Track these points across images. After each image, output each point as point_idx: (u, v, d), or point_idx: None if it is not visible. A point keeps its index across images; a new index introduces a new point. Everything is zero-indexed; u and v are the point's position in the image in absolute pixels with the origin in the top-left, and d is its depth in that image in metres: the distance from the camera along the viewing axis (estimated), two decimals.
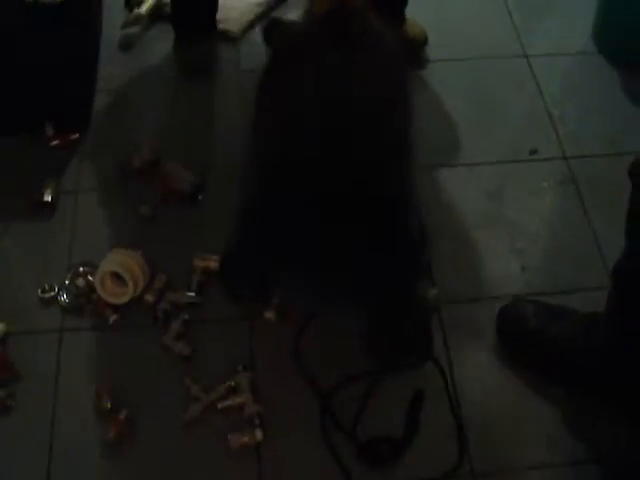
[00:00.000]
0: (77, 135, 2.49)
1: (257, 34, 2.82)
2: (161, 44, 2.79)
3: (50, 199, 2.31)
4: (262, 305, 2.09)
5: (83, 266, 2.18)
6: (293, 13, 2.82)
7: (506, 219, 2.31)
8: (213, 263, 2.15)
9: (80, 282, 2.14)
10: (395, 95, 1.81)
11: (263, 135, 1.86)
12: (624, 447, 1.90)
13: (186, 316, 2.08)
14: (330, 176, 1.70)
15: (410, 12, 2.63)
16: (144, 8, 2.82)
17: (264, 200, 1.85)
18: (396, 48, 1.86)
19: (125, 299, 2.09)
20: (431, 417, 1.95)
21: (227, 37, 2.81)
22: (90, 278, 2.14)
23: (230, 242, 2.03)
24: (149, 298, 2.11)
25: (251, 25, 2.85)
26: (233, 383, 1.96)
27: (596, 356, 1.90)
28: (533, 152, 2.45)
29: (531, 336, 2.01)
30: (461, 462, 1.89)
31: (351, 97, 1.71)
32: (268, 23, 2.57)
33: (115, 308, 2.10)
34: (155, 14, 2.85)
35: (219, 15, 2.77)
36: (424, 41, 2.70)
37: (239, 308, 2.11)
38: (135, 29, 2.82)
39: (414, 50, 2.66)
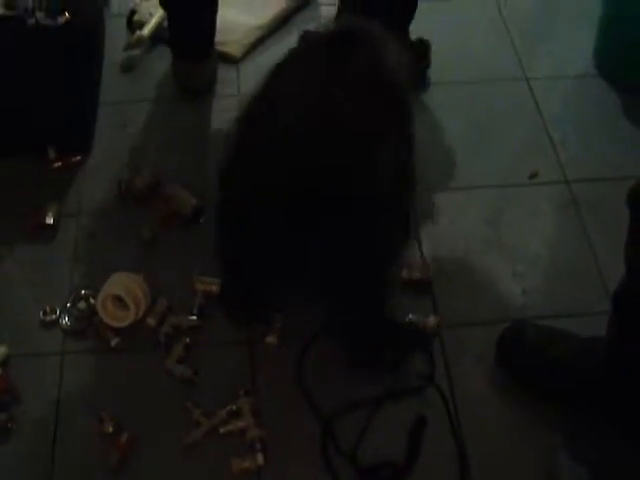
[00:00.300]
0: (79, 157, 2.50)
1: (258, 57, 2.83)
2: (163, 66, 2.80)
3: (52, 221, 2.31)
4: (263, 328, 2.09)
5: (85, 289, 2.18)
6: (296, 36, 2.84)
7: (506, 243, 2.32)
8: (215, 286, 2.16)
9: (82, 305, 2.14)
10: (386, 116, 1.82)
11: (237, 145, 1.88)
12: (623, 468, 1.89)
13: (188, 340, 2.08)
14: (306, 194, 1.71)
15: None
16: (146, 30, 2.83)
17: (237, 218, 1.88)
18: (396, 68, 1.85)
19: (127, 322, 2.09)
20: (433, 442, 1.94)
21: (227, 59, 2.82)
22: (92, 301, 2.14)
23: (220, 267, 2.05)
24: (151, 321, 2.11)
25: (252, 48, 2.86)
26: (235, 407, 1.96)
27: (596, 380, 1.90)
28: (533, 176, 2.45)
29: (531, 359, 2.01)
30: None
31: (333, 113, 1.72)
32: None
33: (117, 331, 2.10)
34: (157, 36, 2.86)
35: (219, 37, 2.79)
36: (427, 63, 2.69)
37: (240, 332, 2.11)
38: (137, 51, 2.84)
39: (416, 72, 2.65)
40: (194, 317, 2.12)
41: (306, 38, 2.02)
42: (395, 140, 1.85)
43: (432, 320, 2.11)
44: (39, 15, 2.24)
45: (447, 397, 2.00)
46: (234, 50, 2.82)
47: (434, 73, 2.73)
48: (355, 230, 1.76)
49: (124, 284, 2.09)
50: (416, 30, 2.62)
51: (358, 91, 1.77)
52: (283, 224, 1.76)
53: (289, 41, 2.86)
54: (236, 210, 1.88)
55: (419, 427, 1.96)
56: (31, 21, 2.23)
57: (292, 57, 1.90)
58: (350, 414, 1.98)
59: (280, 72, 1.86)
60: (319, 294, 1.94)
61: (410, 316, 2.11)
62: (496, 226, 2.36)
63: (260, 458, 1.88)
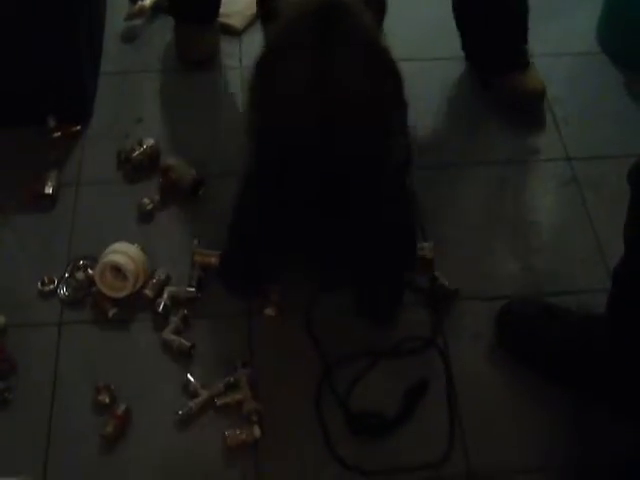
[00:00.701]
0: (79, 127, 2.48)
1: (259, 29, 2.81)
2: (164, 36, 2.78)
3: (51, 191, 2.30)
4: (260, 300, 2.09)
5: (83, 259, 2.18)
6: None
7: (508, 219, 2.31)
8: (213, 258, 2.15)
9: (80, 275, 2.13)
10: (378, 84, 1.80)
11: (257, 130, 1.89)
12: (623, 448, 1.89)
13: (185, 311, 2.07)
14: (321, 165, 1.73)
15: (409, 14, 2.63)
16: (147, 0, 2.81)
17: (261, 194, 1.88)
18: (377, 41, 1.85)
19: (125, 293, 2.09)
20: (427, 407, 1.96)
21: (229, 31, 2.81)
22: (90, 271, 2.13)
23: (228, 238, 2.04)
24: (149, 293, 2.10)
25: (254, 19, 2.83)
26: (232, 379, 1.96)
27: (597, 357, 1.90)
28: (535, 153, 2.44)
29: (531, 335, 2.01)
30: (448, 455, 1.89)
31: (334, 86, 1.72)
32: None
33: (115, 302, 2.09)
34: (158, 6, 2.84)
35: (222, 9, 2.77)
36: (542, 93, 2.57)
37: (238, 303, 2.11)
38: (138, 21, 2.82)
39: (531, 103, 2.57)
40: (192, 289, 2.11)
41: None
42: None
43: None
44: None
45: (449, 362, 2.01)
46: (236, 22, 2.80)
47: (437, 50, 2.71)
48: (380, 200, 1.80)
49: (122, 254, 2.08)
50: (420, 7, 2.61)
51: (360, 59, 1.76)
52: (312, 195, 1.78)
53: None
54: (266, 177, 1.87)
55: (419, 389, 1.97)
56: None
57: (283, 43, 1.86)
58: (349, 365, 2.00)
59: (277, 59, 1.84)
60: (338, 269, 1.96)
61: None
62: (497, 202, 2.35)
63: (257, 431, 1.88)
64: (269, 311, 2.07)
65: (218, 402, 1.93)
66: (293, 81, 1.78)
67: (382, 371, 2.01)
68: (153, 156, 2.38)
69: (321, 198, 1.76)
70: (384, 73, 1.82)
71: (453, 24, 2.54)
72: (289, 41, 1.85)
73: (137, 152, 2.36)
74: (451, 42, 2.60)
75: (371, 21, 1.84)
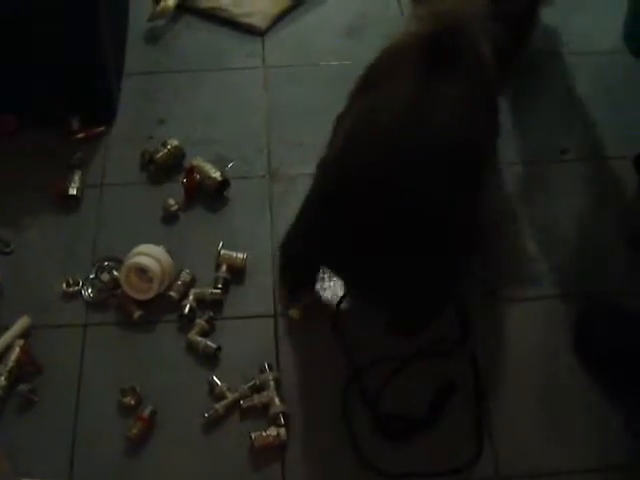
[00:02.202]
0: (103, 128, 2.48)
1: (283, 29, 2.80)
2: (188, 36, 2.78)
3: (75, 192, 2.30)
4: (287, 302, 2.09)
5: (108, 260, 2.17)
6: (322, 8, 2.81)
7: (536, 219, 2.29)
8: (239, 259, 2.14)
9: (105, 277, 2.13)
10: (476, 132, 1.83)
11: (334, 149, 1.90)
12: None
13: (211, 313, 2.06)
14: (392, 204, 1.73)
15: None
16: (171, 1, 2.80)
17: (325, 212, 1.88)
18: (491, 79, 1.89)
19: (150, 295, 2.08)
20: (455, 409, 1.94)
21: (253, 31, 2.79)
22: (115, 273, 2.13)
23: (290, 229, 2.05)
24: (174, 294, 2.09)
25: (278, 19, 2.83)
26: (258, 382, 1.95)
27: None
28: (564, 152, 2.42)
29: (598, 340, 2.00)
30: (477, 459, 1.87)
31: (426, 133, 1.74)
32: None
33: (140, 304, 2.09)
34: (182, 6, 2.83)
35: (245, 8, 2.77)
36: None
37: (263, 305, 2.10)
38: (162, 22, 2.81)
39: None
40: (218, 290, 2.10)
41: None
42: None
43: None
44: None
45: (479, 365, 1.99)
46: (259, 21, 2.79)
47: None
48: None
49: (148, 256, 2.07)
50: None
51: (459, 108, 1.79)
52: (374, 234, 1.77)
53: (315, 13, 2.85)
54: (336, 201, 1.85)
55: (447, 392, 1.95)
56: None
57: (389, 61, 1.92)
58: (377, 368, 1.98)
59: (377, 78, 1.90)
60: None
61: None
62: (526, 202, 2.33)
63: (283, 433, 1.87)
64: (294, 312, 2.06)
65: (244, 405, 1.92)
66: (388, 111, 1.79)
67: (410, 373, 1.99)
68: (177, 157, 2.37)
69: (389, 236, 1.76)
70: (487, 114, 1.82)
71: None
72: (392, 64, 1.89)
73: (161, 153, 2.35)
74: None
75: (487, 50, 1.86)
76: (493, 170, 1.99)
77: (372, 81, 1.91)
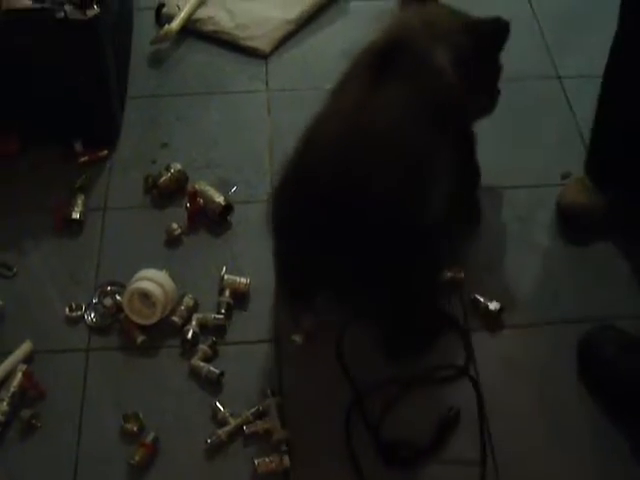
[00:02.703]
0: (106, 152, 2.49)
1: (286, 52, 2.81)
2: (191, 59, 2.79)
3: (78, 216, 2.30)
4: (290, 327, 2.07)
5: (111, 285, 2.17)
6: (325, 31, 2.82)
7: (538, 243, 2.29)
8: (242, 284, 2.14)
9: (108, 301, 2.13)
10: (418, 137, 1.83)
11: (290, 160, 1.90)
12: None
13: (214, 338, 2.06)
14: (344, 209, 1.73)
15: None
16: (174, 24, 2.81)
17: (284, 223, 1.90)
18: (449, 90, 1.91)
19: (153, 320, 2.08)
20: (459, 436, 1.94)
21: (256, 54, 2.80)
22: (118, 297, 2.13)
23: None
24: (177, 319, 2.09)
25: (281, 42, 2.83)
26: (261, 408, 1.94)
27: None
28: (566, 176, 2.42)
29: (608, 368, 1.98)
30: None
31: (366, 137, 1.76)
32: None
33: (143, 329, 2.08)
34: (185, 29, 2.84)
35: (248, 32, 2.78)
36: None
37: (266, 330, 2.10)
38: (165, 45, 2.82)
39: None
40: (221, 315, 2.10)
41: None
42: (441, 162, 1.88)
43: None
44: (68, 8, 2.22)
45: (481, 393, 1.98)
46: (263, 45, 2.80)
47: None
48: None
49: (150, 281, 2.07)
50: None
51: (402, 111, 1.81)
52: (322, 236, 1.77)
53: (318, 36, 2.85)
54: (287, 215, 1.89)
55: (451, 418, 1.94)
56: (60, 14, 2.22)
57: (347, 70, 1.94)
58: (380, 394, 1.97)
59: (335, 87, 1.94)
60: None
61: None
62: (528, 226, 2.32)
63: (286, 460, 1.86)
64: (297, 338, 2.05)
65: (247, 431, 1.91)
66: (333, 119, 1.84)
67: (413, 400, 1.98)
68: (180, 181, 2.38)
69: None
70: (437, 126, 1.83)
71: None
72: (347, 75, 1.92)
73: (164, 177, 2.36)
74: None
75: (443, 61, 1.89)
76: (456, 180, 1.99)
77: (331, 91, 1.94)
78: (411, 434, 1.92)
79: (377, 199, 1.73)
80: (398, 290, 1.86)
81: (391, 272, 1.80)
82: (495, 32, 2.10)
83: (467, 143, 2.12)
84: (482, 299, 2.13)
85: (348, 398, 1.97)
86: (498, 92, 2.24)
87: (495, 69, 2.18)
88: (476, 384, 1.98)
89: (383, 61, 1.85)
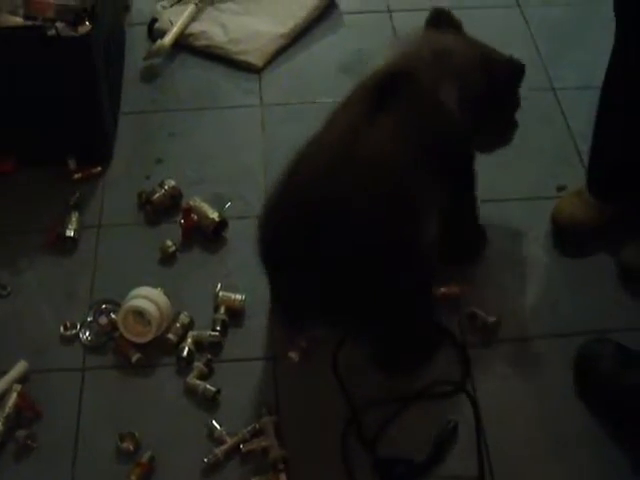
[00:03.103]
0: (99, 168, 2.48)
1: (279, 66, 2.81)
2: (184, 75, 2.79)
3: (72, 234, 2.29)
4: (286, 345, 2.07)
5: (106, 303, 2.16)
6: (318, 44, 2.82)
7: (533, 256, 2.28)
8: (237, 301, 2.13)
9: (102, 320, 2.12)
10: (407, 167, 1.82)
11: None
12: None
13: (209, 356, 2.05)
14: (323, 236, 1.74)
15: None
16: (167, 39, 2.80)
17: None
18: (450, 128, 1.90)
19: (148, 338, 2.07)
20: (456, 452, 1.92)
21: (249, 69, 2.80)
22: (113, 316, 2.12)
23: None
24: (172, 337, 2.08)
25: (274, 57, 2.83)
26: (257, 426, 1.93)
27: None
28: (561, 189, 2.41)
29: (606, 384, 1.97)
30: None
31: (353, 163, 1.76)
32: None
33: (138, 347, 2.07)
34: (178, 44, 2.83)
35: (241, 46, 2.78)
36: None
37: (262, 347, 2.09)
38: (158, 60, 2.81)
39: None
40: (216, 333, 2.09)
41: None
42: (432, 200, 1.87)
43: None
44: (59, 25, 2.22)
45: (479, 408, 1.97)
46: (256, 59, 2.80)
47: None
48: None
49: (145, 299, 2.06)
50: None
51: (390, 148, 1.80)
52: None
53: (312, 49, 2.85)
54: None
55: (448, 436, 1.93)
56: (51, 31, 2.21)
57: (349, 94, 1.94)
58: (377, 411, 1.96)
59: (334, 110, 1.92)
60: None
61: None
62: (524, 239, 2.32)
63: (283, 478, 1.85)
64: (293, 355, 2.04)
65: (244, 449, 1.90)
66: (324, 144, 1.85)
67: (410, 416, 1.98)
68: (174, 197, 2.37)
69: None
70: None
71: None
72: (348, 100, 1.92)
73: (158, 193, 2.35)
74: None
75: (448, 98, 1.88)
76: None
77: (330, 113, 1.93)
78: (408, 450, 1.91)
79: (358, 228, 1.73)
80: (386, 312, 1.84)
81: (377, 297, 1.80)
82: (510, 74, 2.08)
83: (466, 179, 2.10)
84: (479, 313, 2.12)
85: (345, 415, 1.96)
86: (515, 125, 2.21)
87: (510, 105, 2.16)
88: (473, 399, 1.97)
89: (384, 91, 1.85)
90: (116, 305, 2.13)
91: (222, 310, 2.13)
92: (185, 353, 2.05)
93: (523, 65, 2.08)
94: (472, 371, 2.05)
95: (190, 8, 2.89)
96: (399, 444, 1.93)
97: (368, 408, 1.97)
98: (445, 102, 1.88)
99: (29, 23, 2.23)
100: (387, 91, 1.85)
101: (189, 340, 2.07)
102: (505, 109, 2.14)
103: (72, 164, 2.45)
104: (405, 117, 1.83)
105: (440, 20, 2.07)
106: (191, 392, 2.00)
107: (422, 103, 1.86)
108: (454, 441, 1.93)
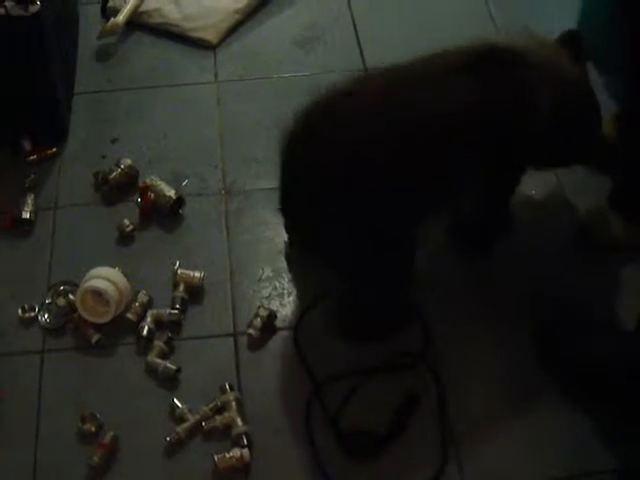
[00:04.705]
0: (55, 149, 2.45)
1: (235, 42, 2.79)
2: (139, 53, 2.76)
3: (29, 216, 2.27)
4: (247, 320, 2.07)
5: (64, 284, 2.14)
6: (273, 19, 2.80)
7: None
8: (196, 278, 2.12)
9: (61, 301, 2.10)
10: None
11: None
12: (622, 460, 1.86)
13: (169, 334, 2.04)
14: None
15: (390, 20, 2.60)
16: (121, 17, 2.77)
17: None
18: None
19: (107, 318, 2.05)
20: (419, 423, 1.93)
21: (204, 45, 2.78)
22: (71, 297, 2.10)
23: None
24: (132, 316, 2.07)
25: (229, 32, 2.81)
26: (219, 402, 1.92)
27: (622, 372, 1.87)
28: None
29: (563, 346, 1.99)
30: (442, 472, 1.86)
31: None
32: None
33: (97, 327, 2.06)
34: (132, 23, 2.81)
35: (195, 23, 2.76)
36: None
37: (222, 324, 2.09)
38: (112, 39, 2.78)
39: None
40: (176, 311, 2.08)
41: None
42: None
43: None
44: (9, 4, 2.18)
45: (440, 378, 1.98)
46: (210, 35, 2.77)
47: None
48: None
49: (103, 279, 2.05)
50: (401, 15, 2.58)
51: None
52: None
53: (267, 25, 2.83)
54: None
55: (410, 405, 1.94)
56: (1, 11, 2.17)
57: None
58: (339, 383, 1.97)
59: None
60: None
61: None
62: None
63: (246, 454, 1.84)
64: (252, 331, 2.04)
65: (206, 426, 1.90)
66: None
67: (373, 388, 1.97)
68: (131, 176, 2.35)
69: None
70: None
71: None
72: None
73: (115, 173, 2.33)
74: None
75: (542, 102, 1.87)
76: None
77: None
78: (371, 423, 1.91)
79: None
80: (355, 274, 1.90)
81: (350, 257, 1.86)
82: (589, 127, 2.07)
83: (514, 173, 2.08)
84: None
85: (307, 390, 1.96)
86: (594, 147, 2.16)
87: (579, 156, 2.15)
88: (434, 371, 1.99)
89: (482, 58, 1.85)
90: (74, 286, 2.11)
91: (181, 288, 2.11)
92: (145, 332, 2.04)
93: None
94: (433, 343, 2.05)
95: None
96: (362, 417, 1.93)
97: (330, 382, 1.97)
98: (537, 100, 1.87)
99: None
100: (484, 59, 1.84)
101: (149, 319, 2.06)
102: (575, 153, 2.12)
103: (27, 145, 2.42)
104: (487, 91, 1.83)
105: (570, 42, 2.04)
106: (152, 371, 1.99)
107: (512, 87, 1.86)
108: (416, 411, 1.93)
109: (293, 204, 1.94)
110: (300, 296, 2.13)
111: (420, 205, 1.89)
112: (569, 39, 2.05)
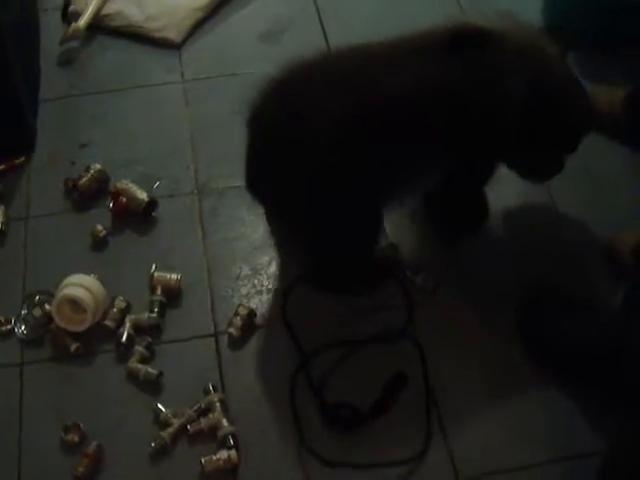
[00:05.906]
0: (22, 158, 2.42)
1: (199, 39, 2.76)
2: (102, 57, 2.72)
3: (0, 227, 2.23)
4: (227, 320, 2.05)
5: (39, 294, 2.11)
6: (238, 15, 2.78)
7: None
8: (173, 280, 2.10)
9: (37, 312, 2.07)
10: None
11: None
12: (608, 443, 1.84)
13: (149, 338, 2.02)
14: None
15: (356, 10, 2.61)
16: (82, 21, 2.73)
17: None
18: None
19: (85, 326, 2.02)
20: (404, 398, 1.93)
21: (168, 45, 2.74)
22: (47, 307, 2.07)
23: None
24: (110, 323, 2.04)
25: (192, 30, 2.78)
26: (203, 404, 1.90)
27: (605, 353, 1.87)
28: None
29: (546, 327, 1.98)
30: (427, 447, 1.85)
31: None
32: None
33: (75, 336, 2.03)
34: (94, 26, 2.77)
35: (157, 23, 2.73)
36: None
37: (201, 325, 2.06)
38: (74, 43, 2.75)
39: None
40: (154, 314, 2.05)
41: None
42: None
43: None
44: None
45: (423, 351, 1.99)
46: (174, 35, 2.74)
47: None
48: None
49: (78, 287, 2.02)
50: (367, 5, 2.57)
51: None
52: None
53: (231, 21, 2.81)
54: None
55: (397, 381, 1.93)
56: None
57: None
58: (325, 355, 1.98)
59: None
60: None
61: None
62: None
63: (233, 454, 1.82)
64: (232, 330, 2.02)
65: (191, 429, 1.87)
66: None
67: (359, 362, 1.98)
68: (101, 181, 2.32)
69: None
70: None
71: None
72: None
73: (84, 178, 2.30)
74: None
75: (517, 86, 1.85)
76: None
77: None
78: (357, 396, 1.90)
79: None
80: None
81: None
82: (580, 122, 2.03)
83: (490, 156, 2.06)
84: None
85: (291, 384, 1.95)
86: (558, 168, 2.11)
87: (566, 147, 2.07)
88: (418, 344, 1.99)
89: (460, 38, 1.85)
90: (50, 296, 2.08)
91: (159, 291, 2.09)
92: (124, 338, 2.01)
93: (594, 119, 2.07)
94: (420, 317, 2.06)
95: None
96: (347, 390, 1.93)
97: (316, 355, 1.98)
98: (508, 86, 1.85)
99: None
100: (455, 41, 1.84)
101: (127, 324, 2.03)
102: (559, 148, 2.07)
103: None
104: (453, 73, 1.83)
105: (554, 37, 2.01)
106: (133, 377, 1.97)
107: (480, 71, 1.84)
108: (403, 388, 1.93)
109: (259, 176, 1.97)
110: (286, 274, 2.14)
111: (381, 184, 1.89)
112: (553, 35, 2.03)
